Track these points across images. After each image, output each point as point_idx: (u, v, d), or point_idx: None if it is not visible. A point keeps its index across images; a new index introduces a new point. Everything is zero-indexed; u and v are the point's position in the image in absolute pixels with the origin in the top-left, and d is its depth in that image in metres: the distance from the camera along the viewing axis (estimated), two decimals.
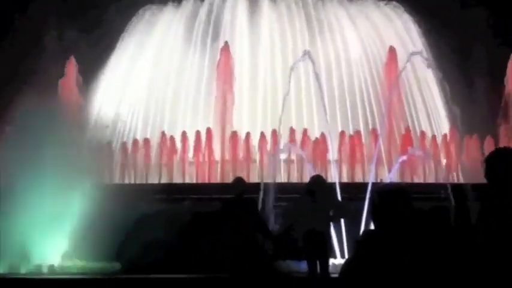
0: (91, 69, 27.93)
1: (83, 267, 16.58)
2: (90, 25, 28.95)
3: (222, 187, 17.82)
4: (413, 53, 23.15)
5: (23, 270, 16.20)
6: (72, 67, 26.79)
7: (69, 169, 16.60)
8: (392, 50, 26.28)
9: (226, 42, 26.51)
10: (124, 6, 29.10)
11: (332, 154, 21.65)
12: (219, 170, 24.35)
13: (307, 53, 20.80)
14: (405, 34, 28.99)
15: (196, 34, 29.39)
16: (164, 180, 23.99)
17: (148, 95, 28.23)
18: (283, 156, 22.26)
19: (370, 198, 5.04)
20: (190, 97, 27.86)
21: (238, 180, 12.47)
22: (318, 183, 12.21)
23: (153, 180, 24.14)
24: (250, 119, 26.92)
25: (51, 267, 16.40)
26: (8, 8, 30.69)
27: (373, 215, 4.88)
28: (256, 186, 16.58)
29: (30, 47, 28.84)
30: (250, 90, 27.93)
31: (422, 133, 25.77)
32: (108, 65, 29.23)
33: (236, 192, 12.11)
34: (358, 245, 4.81)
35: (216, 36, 28.91)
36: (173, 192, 18.95)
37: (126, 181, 23.72)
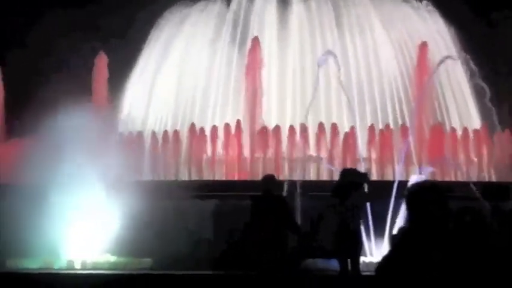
0: (120, 67, 28.13)
1: (115, 262, 16.74)
2: (120, 25, 29.19)
3: (251, 184, 17.85)
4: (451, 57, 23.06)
5: (56, 266, 16.42)
6: (102, 62, 26.95)
7: (101, 166, 16.80)
8: (423, 45, 25.98)
9: (256, 37, 26.57)
10: (153, 6, 29.29)
11: (361, 151, 21.57)
12: (248, 166, 24.37)
13: (333, 56, 20.68)
14: (436, 33, 28.74)
15: (226, 29, 29.50)
16: (194, 176, 24.07)
17: (177, 91, 28.34)
18: (321, 156, 22.29)
19: (405, 195, 5.01)
20: (219, 93, 27.94)
21: (265, 177, 12.65)
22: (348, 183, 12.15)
23: (182, 176, 24.22)
24: (280, 116, 26.92)
25: (84, 262, 16.58)
26: (37, 5, 31.01)
27: (406, 210, 4.90)
28: (283, 183, 16.62)
29: (58, 44, 29.14)
30: (279, 86, 27.94)
31: (453, 129, 25.51)
32: (138, 62, 29.42)
33: (263, 189, 12.26)
34: (392, 241, 4.86)
35: (245, 31, 29.03)
36: (205, 189, 18.96)
37: (156, 177, 23.83)
